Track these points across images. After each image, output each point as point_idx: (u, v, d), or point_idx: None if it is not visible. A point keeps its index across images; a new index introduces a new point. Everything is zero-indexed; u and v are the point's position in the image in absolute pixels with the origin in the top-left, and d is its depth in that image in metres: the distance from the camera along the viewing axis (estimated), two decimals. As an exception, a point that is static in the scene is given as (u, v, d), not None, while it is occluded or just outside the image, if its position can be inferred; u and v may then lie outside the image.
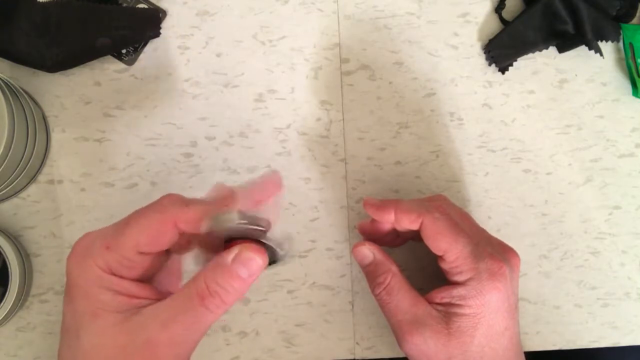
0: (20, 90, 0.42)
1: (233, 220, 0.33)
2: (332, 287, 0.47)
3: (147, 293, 0.34)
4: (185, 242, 0.37)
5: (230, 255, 0.33)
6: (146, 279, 0.36)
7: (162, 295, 0.34)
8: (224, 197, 0.35)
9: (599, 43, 0.48)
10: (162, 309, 0.32)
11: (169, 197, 0.35)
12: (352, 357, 0.47)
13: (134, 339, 0.32)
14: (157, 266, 0.36)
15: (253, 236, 0.34)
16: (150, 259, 0.35)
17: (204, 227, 0.33)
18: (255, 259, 0.33)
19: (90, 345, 0.32)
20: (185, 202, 0.34)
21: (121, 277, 0.33)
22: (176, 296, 0.33)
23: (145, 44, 0.47)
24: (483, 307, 0.38)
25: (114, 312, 0.32)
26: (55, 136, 0.47)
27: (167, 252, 0.38)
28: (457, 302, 0.38)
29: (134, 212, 0.35)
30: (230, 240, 0.34)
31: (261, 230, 0.34)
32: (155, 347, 0.31)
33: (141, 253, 0.34)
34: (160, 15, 0.47)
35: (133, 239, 0.33)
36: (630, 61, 0.49)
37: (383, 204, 0.41)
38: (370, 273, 0.41)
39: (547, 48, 0.49)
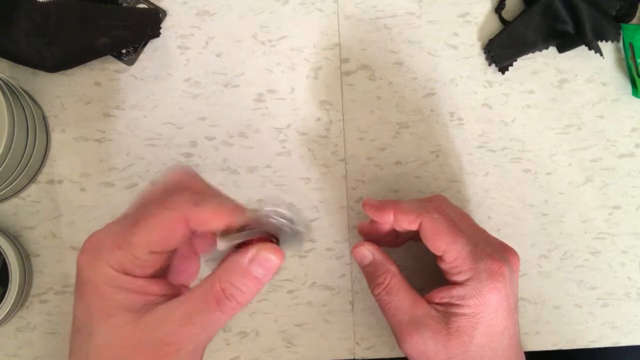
0: (20, 90, 0.43)
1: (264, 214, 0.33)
2: (332, 287, 0.47)
3: (160, 289, 0.34)
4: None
5: (247, 256, 0.32)
6: (159, 275, 0.35)
7: (175, 290, 0.34)
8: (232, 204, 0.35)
9: (599, 43, 0.48)
10: (177, 307, 0.32)
11: (179, 194, 0.34)
12: (352, 357, 0.47)
13: (149, 338, 0.31)
14: (169, 261, 0.36)
15: (276, 229, 0.33)
16: (162, 257, 0.34)
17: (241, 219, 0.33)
18: (272, 259, 0.32)
19: (104, 344, 0.32)
20: (195, 201, 0.34)
21: (134, 276, 0.33)
22: (191, 296, 0.32)
23: (145, 44, 0.48)
24: (482, 307, 0.38)
25: (128, 310, 0.32)
26: (55, 136, 0.47)
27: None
28: (457, 302, 0.38)
29: (143, 208, 0.34)
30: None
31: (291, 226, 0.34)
32: (171, 345, 0.31)
33: (153, 252, 0.33)
34: (160, 15, 0.47)
35: (144, 239, 0.33)
36: (630, 61, 0.49)
37: (382, 205, 0.41)
38: (370, 273, 0.41)
39: (547, 48, 0.49)
